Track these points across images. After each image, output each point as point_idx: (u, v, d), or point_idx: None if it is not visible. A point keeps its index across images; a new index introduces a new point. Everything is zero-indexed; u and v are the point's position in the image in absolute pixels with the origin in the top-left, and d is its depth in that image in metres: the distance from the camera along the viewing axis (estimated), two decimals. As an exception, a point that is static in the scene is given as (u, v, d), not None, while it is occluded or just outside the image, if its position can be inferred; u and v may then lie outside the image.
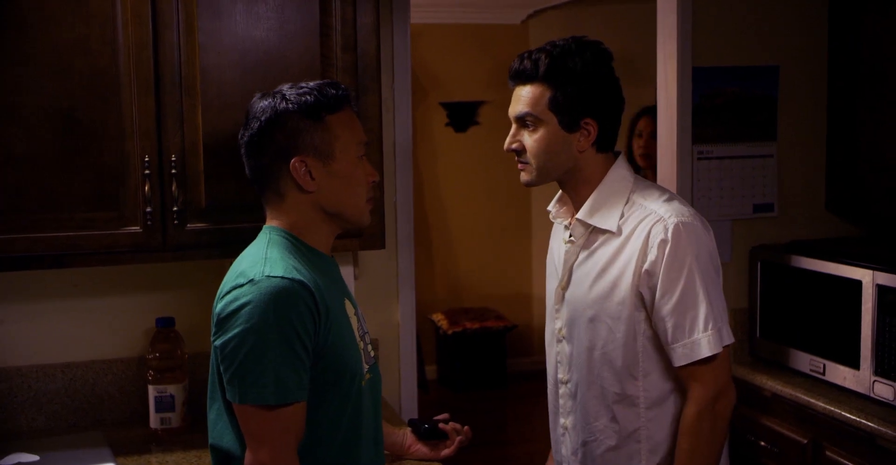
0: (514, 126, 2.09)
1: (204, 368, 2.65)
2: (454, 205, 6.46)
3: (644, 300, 2.01)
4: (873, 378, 2.73)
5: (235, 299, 1.73)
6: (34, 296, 2.58)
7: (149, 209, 2.23)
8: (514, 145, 2.08)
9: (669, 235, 1.97)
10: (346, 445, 1.86)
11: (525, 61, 2.04)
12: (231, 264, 1.87)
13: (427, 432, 2.26)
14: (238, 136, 1.90)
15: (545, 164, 2.06)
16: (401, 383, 3.01)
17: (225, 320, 1.73)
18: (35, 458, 2.30)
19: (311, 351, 1.75)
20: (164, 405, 2.51)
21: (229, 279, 1.79)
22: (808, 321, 3.01)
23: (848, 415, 2.68)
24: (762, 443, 2.98)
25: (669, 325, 1.97)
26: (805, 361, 3.01)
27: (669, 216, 1.99)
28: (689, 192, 3.25)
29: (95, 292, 2.63)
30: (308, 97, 1.84)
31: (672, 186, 3.26)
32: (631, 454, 2.07)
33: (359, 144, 1.89)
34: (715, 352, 1.96)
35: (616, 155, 2.12)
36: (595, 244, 2.08)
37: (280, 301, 1.71)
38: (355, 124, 1.90)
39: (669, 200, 2.05)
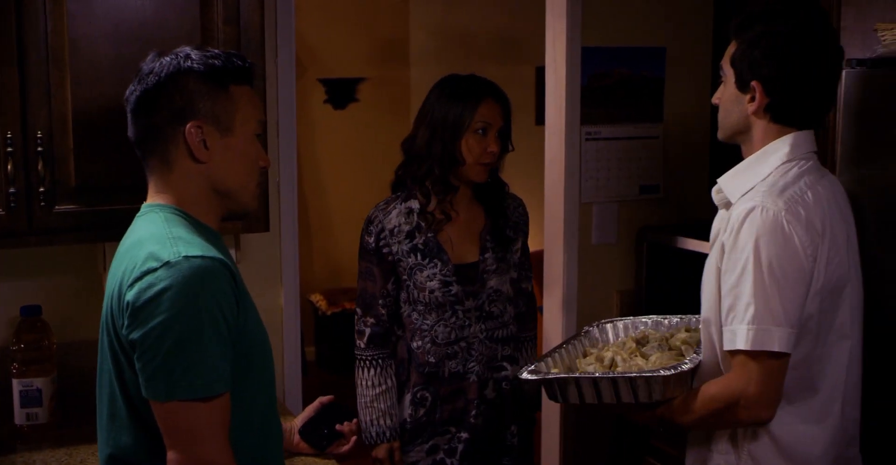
0: None
1: (74, 358, 2.51)
2: (333, 183, 6.35)
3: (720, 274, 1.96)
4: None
5: (151, 285, 1.58)
6: None
7: (12, 190, 2.08)
8: (712, 99, 2.07)
9: (742, 216, 1.88)
10: (262, 432, 1.77)
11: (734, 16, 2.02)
12: (109, 248, 1.73)
13: (327, 444, 2.18)
14: (124, 97, 1.76)
15: (722, 120, 2.04)
16: (284, 368, 2.94)
17: (142, 310, 1.58)
18: None
19: (233, 335, 1.65)
20: (30, 399, 2.35)
21: (133, 264, 1.64)
22: (694, 302, 3.02)
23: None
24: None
25: (725, 305, 1.91)
26: (690, 342, 3.03)
27: (756, 199, 1.88)
28: (577, 173, 3.23)
29: (-48, 278, 2.46)
30: (216, 61, 1.73)
31: (560, 167, 3.24)
32: None
33: (258, 122, 1.80)
34: (747, 347, 1.85)
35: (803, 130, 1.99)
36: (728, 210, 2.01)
37: (204, 283, 1.59)
38: (257, 101, 1.81)
39: (784, 189, 1.90)
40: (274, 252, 2.87)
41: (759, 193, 1.90)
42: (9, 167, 2.07)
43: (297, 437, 2.20)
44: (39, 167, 2.09)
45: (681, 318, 2.33)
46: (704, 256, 2.91)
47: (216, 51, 1.77)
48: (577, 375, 2.04)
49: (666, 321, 2.34)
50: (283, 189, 2.86)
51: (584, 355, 2.24)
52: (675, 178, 3.36)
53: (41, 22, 2.07)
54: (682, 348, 2.14)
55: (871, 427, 2.45)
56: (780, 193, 1.89)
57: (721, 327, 1.92)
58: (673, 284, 3.14)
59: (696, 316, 2.21)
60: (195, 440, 1.60)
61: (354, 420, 2.22)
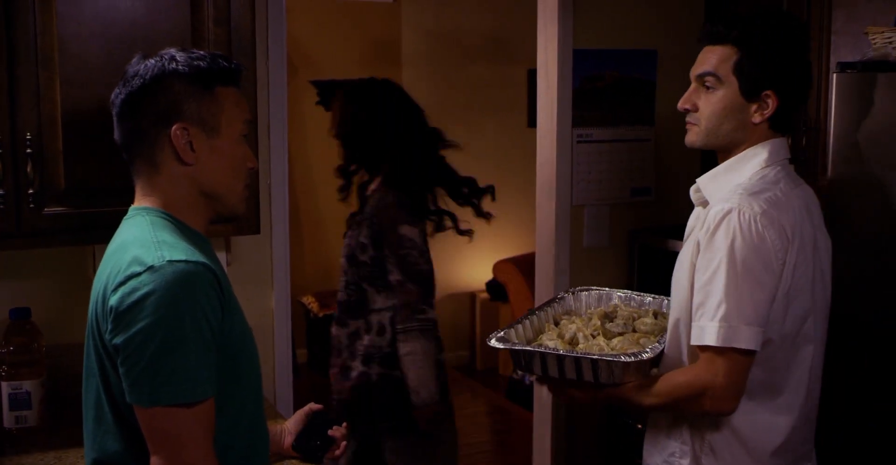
0: (692, 85, 2.05)
1: (64, 361, 2.50)
2: (324, 185, 6.32)
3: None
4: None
5: (135, 290, 1.57)
6: None
7: (1, 192, 2.07)
8: (685, 105, 2.05)
9: (719, 217, 1.91)
10: (250, 436, 1.77)
11: (719, 23, 2.01)
12: (98, 250, 1.72)
13: (322, 455, 2.17)
14: (110, 100, 1.75)
15: (714, 127, 2.02)
16: (275, 371, 2.93)
17: (125, 315, 1.57)
18: None
19: (217, 339, 1.64)
20: (19, 402, 2.34)
21: (118, 268, 1.62)
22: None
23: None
24: (639, 426, 3.00)
25: (695, 301, 1.94)
26: (681, 344, 3.03)
27: (734, 201, 1.91)
28: (568, 176, 3.23)
29: (-60, 280, 2.44)
30: (201, 63, 1.72)
31: (551, 170, 3.23)
32: None
33: (244, 122, 1.78)
34: (716, 344, 1.89)
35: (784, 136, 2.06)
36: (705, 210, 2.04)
37: (188, 288, 1.58)
38: (243, 102, 1.79)
39: (761, 193, 1.94)
40: (265, 254, 2.87)
41: (736, 196, 1.93)
42: (-3, 169, 2.06)
43: (287, 440, 2.19)
44: (28, 169, 2.08)
45: (654, 297, 2.37)
46: (695, 258, 2.94)
47: (201, 52, 1.76)
48: (542, 350, 2.07)
49: (639, 298, 2.38)
50: (274, 191, 2.86)
51: (556, 323, 2.27)
52: (667, 181, 3.36)
53: (30, 22, 2.06)
54: (645, 334, 2.17)
55: (870, 429, 2.47)
56: (756, 197, 1.92)
57: (690, 323, 1.95)
58: (664, 286, 3.13)
59: (669, 298, 2.22)
60: (179, 446, 1.59)
61: (344, 424, 2.22)
